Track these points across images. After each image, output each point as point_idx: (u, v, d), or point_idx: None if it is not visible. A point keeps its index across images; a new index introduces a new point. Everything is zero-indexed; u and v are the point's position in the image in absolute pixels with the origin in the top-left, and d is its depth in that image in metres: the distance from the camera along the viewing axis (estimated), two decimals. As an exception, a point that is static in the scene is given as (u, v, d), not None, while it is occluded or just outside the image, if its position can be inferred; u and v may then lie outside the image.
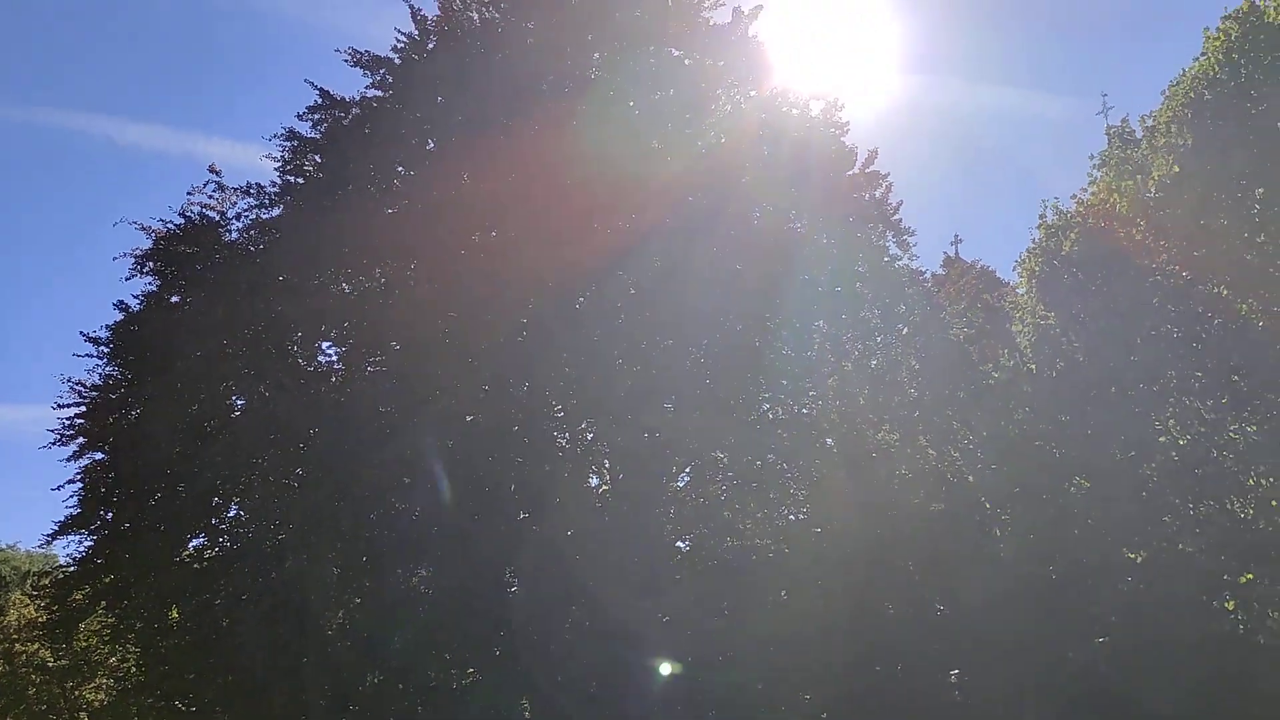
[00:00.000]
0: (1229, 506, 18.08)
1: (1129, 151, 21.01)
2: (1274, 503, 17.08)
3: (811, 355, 22.75)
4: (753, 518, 22.55)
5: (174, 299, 23.26)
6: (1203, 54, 20.04)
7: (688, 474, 23.31)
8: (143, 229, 22.88)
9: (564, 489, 21.29)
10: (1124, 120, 21.93)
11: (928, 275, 26.29)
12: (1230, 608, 18.05)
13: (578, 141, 21.85)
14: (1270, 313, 18.01)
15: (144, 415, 22.38)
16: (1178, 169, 19.50)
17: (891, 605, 21.00)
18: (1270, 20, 19.33)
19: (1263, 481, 17.53)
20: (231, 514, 22.64)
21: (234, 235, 23.45)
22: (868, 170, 24.01)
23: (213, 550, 22.42)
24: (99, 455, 22.49)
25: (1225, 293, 18.70)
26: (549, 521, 20.73)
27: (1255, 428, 17.82)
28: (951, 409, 22.03)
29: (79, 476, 22.15)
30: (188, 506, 21.56)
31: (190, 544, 22.74)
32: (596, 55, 23.44)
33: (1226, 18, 19.85)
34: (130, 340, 22.92)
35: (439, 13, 23.83)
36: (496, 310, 21.26)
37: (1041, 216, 21.93)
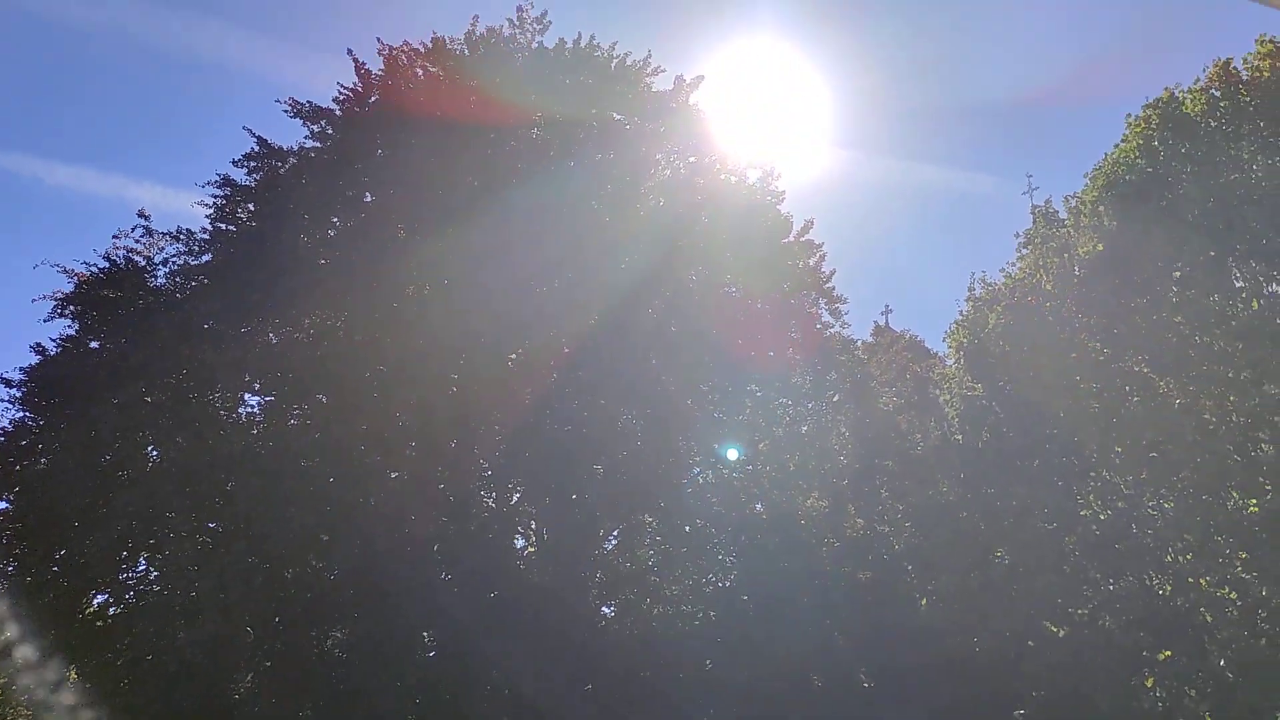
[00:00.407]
0: (1148, 582, 18.25)
1: (1053, 230, 21.60)
2: (1190, 579, 17.24)
3: (743, 419, 22.74)
4: (681, 584, 22.27)
5: (94, 344, 22.55)
6: (1124, 139, 20.82)
7: (615, 537, 22.97)
8: (64, 271, 22.31)
9: (489, 549, 20.80)
10: (1048, 201, 22.71)
11: (859, 343, 26.56)
12: (1149, 685, 18.10)
13: (517, 198, 21.85)
14: (1187, 391, 18.39)
15: (55, 463, 21.51)
16: (1101, 247, 20.07)
17: (819, 678, 20.75)
18: (1187, 112, 20.15)
19: (1180, 559, 17.72)
20: (140, 569, 21.69)
21: (160, 281, 22.92)
22: (803, 239, 24.31)
23: (117, 607, 21.41)
24: (3, 504, 21.54)
25: (1145, 370, 19.12)
26: (471, 583, 20.20)
27: (1172, 505, 18.10)
28: (880, 477, 22.15)
29: (-20, 526, 21.17)
30: (94, 559, 20.59)
31: (94, 600, 21.73)
32: (539, 114, 23.54)
33: (1147, 106, 20.69)
34: (45, 384, 22.11)
35: (383, 68, 23.86)
36: (426, 366, 20.92)
37: (970, 290, 22.44)
